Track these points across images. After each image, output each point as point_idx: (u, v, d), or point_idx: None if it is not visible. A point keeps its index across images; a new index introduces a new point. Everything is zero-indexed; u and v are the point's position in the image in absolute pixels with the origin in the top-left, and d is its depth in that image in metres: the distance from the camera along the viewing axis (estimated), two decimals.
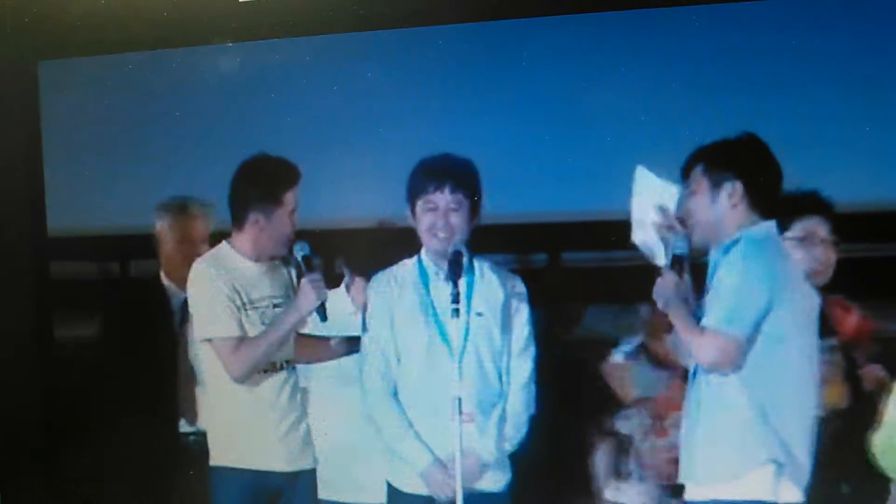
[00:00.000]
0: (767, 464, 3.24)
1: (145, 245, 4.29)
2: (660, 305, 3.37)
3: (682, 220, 3.43)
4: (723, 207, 3.33)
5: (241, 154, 3.90)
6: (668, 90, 3.73)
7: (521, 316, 3.61)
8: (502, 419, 3.56)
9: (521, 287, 3.64)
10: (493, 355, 3.57)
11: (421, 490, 3.55)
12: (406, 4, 3.88)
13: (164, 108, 4.21)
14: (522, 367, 3.60)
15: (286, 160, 3.84)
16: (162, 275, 4.26)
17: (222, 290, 3.75)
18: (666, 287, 3.33)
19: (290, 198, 3.82)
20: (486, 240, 3.67)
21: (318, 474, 3.87)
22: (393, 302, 3.61)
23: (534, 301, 3.65)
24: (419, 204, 3.60)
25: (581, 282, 4.03)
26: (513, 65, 3.91)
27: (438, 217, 3.56)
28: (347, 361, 3.82)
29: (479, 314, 3.57)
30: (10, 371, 4.23)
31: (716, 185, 3.33)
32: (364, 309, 3.69)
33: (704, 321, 3.30)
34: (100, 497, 4.22)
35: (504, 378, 3.58)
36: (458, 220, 3.56)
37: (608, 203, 3.88)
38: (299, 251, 3.75)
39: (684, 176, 3.40)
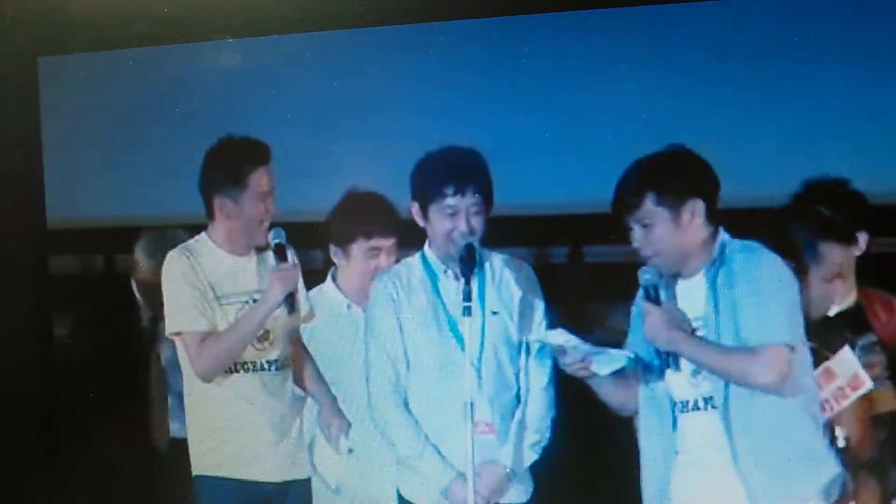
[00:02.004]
0: (836, 478, 3.08)
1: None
2: (663, 345, 3.08)
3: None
4: (686, 229, 3.09)
5: None
6: (671, 85, 3.72)
7: (538, 311, 3.38)
8: (523, 425, 3.33)
9: (533, 279, 3.40)
10: (510, 356, 3.34)
11: (435, 503, 3.30)
12: (407, 1, 3.89)
13: (164, 103, 4.20)
14: (542, 367, 3.35)
15: (251, 139, 3.58)
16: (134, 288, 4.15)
17: (191, 282, 3.51)
18: (660, 322, 3.06)
19: (257, 179, 3.52)
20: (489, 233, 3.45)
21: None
22: (399, 305, 3.34)
23: (555, 299, 3.46)
24: (434, 207, 3.29)
25: (591, 277, 4.03)
26: (514, 61, 3.91)
27: (459, 221, 3.27)
28: None
29: (495, 313, 3.33)
30: (7, 367, 4.23)
31: (674, 210, 3.08)
32: (369, 306, 3.47)
33: (754, 339, 3.01)
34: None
35: (523, 380, 3.36)
36: (478, 222, 3.29)
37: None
38: (274, 238, 3.49)
39: (626, 212, 3.11)
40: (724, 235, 3.12)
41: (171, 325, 3.55)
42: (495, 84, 3.93)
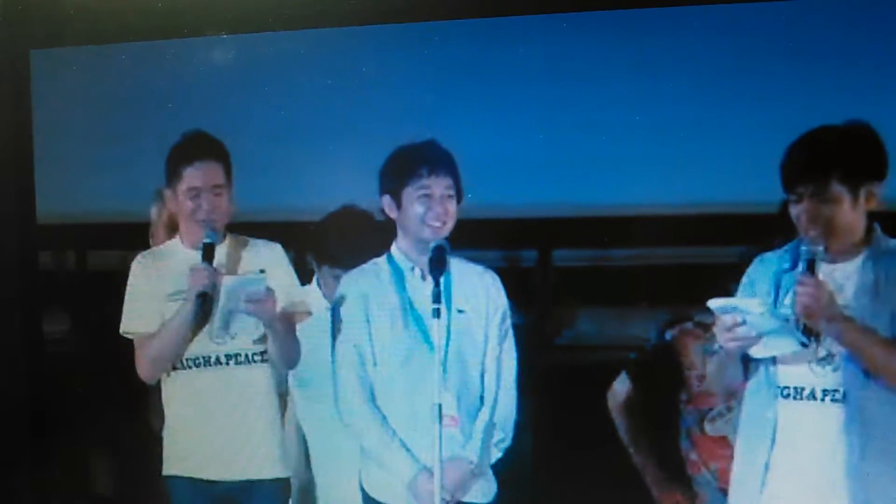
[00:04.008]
0: None
1: (135, 235, 4.24)
2: (820, 321, 2.99)
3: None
4: (857, 211, 3.05)
5: (231, 145, 3.79)
6: (660, 87, 3.70)
7: (502, 312, 3.43)
8: (489, 423, 3.37)
9: (498, 282, 3.45)
10: (476, 355, 3.39)
11: (399, 500, 3.35)
12: (402, 0, 3.87)
13: (157, 98, 4.17)
14: (507, 366, 3.41)
15: (196, 134, 3.66)
16: None
17: (142, 286, 3.59)
18: (824, 297, 2.98)
19: (191, 174, 3.56)
20: (473, 235, 3.52)
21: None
22: (368, 302, 3.39)
23: (521, 303, 3.52)
24: (409, 192, 3.36)
25: (570, 281, 4.02)
26: (506, 62, 3.89)
27: (434, 204, 3.35)
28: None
29: (461, 311, 3.38)
30: None
31: (855, 190, 3.03)
32: (335, 303, 3.49)
33: None
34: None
35: (487, 380, 3.41)
36: (451, 208, 3.37)
37: (600, 199, 3.86)
38: (204, 237, 3.51)
39: (802, 181, 3.04)
40: (878, 229, 3.09)
41: (122, 326, 3.65)
42: (488, 85, 3.91)
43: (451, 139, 3.55)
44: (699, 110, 3.66)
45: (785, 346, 3.04)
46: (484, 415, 3.36)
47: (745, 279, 3.19)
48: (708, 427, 3.58)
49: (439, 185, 3.36)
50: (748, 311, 3.00)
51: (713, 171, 3.61)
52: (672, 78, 3.71)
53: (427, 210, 3.35)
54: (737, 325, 3.00)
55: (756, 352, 3.05)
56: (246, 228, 3.76)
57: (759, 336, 3.01)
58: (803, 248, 3.04)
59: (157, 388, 3.97)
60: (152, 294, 3.58)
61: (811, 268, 3.01)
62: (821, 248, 3.02)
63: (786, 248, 3.18)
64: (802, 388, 3.08)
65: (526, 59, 3.87)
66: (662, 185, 3.67)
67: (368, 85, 3.99)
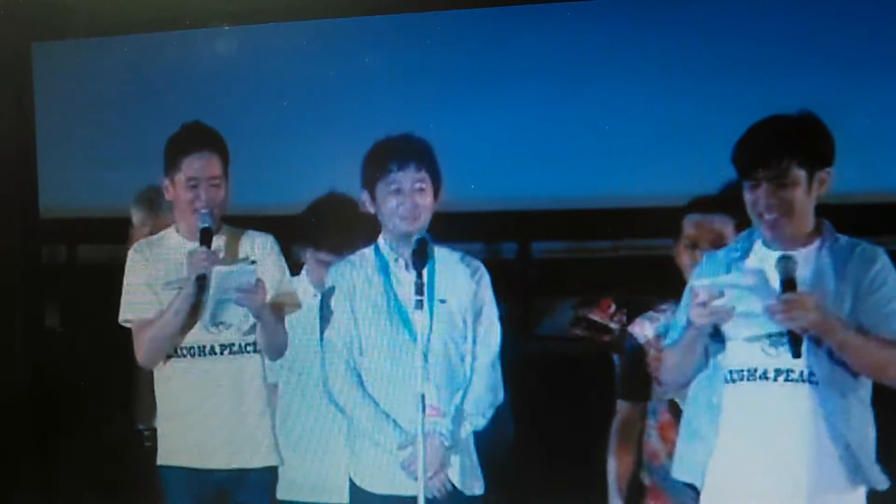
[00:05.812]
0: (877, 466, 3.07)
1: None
2: (808, 325, 2.97)
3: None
4: (812, 196, 3.08)
5: (233, 137, 3.78)
6: (655, 79, 3.68)
7: (487, 300, 3.47)
8: (459, 406, 3.42)
9: (483, 271, 3.49)
10: (457, 344, 3.44)
11: (386, 489, 3.39)
12: None
13: (158, 90, 4.18)
14: (488, 347, 3.45)
15: (194, 125, 3.64)
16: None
17: (140, 275, 3.61)
18: (811, 304, 2.97)
19: (188, 164, 3.56)
20: (459, 228, 3.58)
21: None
22: (353, 293, 3.45)
23: (503, 294, 3.50)
24: (381, 186, 3.40)
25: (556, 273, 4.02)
26: (506, 52, 3.88)
27: (405, 198, 3.38)
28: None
29: (443, 301, 3.42)
30: None
31: (811, 175, 3.06)
32: (324, 294, 3.55)
33: None
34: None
35: (468, 364, 3.46)
36: (423, 201, 3.39)
37: (591, 191, 3.87)
38: (201, 223, 3.52)
39: (761, 167, 3.04)
40: (827, 224, 3.12)
41: (120, 315, 3.64)
42: (487, 74, 3.90)
43: (450, 133, 3.60)
44: (691, 105, 3.66)
45: (759, 324, 3.02)
46: (456, 399, 3.41)
47: (695, 276, 3.19)
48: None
49: (409, 179, 3.39)
50: (739, 285, 3.00)
51: (700, 165, 3.61)
52: (661, 73, 3.71)
53: (398, 204, 3.39)
54: (713, 299, 3.00)
55: (730, 328, 3.06)
56: (242, 220, 3.73)
57: (733, 310, 3.02)
58: (778, 265, 3.02)
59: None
60: (149, 283, 3.60)
61: (791, 285, 3.00)
62: (795, 264, 3.02)
63: (734, 241, 3.21)
64: (754, 369, 3.08)
65: (525, 53, 3.86)
66: (650, 178, 3.66)
67: (371, 75, 3.98)
